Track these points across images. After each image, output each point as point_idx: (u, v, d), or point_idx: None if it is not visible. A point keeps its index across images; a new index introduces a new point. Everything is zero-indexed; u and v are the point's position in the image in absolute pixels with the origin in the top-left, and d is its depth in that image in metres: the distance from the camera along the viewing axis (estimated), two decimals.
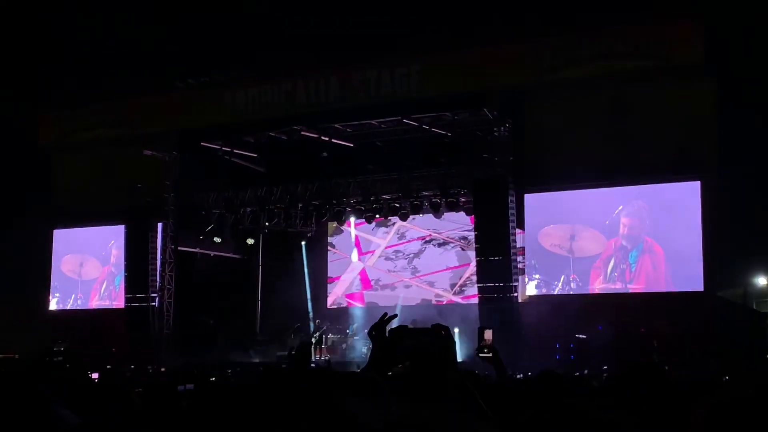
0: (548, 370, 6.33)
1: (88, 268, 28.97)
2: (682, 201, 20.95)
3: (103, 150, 28.54)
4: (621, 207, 21.87)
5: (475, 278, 23.22)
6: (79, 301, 28.96)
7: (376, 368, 3.27)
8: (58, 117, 29.66)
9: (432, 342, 3.27)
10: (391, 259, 27.56)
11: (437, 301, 26.50)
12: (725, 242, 20.68)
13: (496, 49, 23.06)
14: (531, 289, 22.75)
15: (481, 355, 4.08)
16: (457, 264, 26.53)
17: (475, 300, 22.69)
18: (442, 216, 24.84)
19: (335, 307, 27.92)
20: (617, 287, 21.86)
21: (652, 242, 21.54)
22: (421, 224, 26.64)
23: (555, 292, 22.47)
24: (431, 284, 26.87)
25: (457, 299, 26.15)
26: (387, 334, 3.29)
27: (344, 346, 24.90)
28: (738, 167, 20.11)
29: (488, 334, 4.10)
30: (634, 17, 21.55)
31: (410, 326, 3.26)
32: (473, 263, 23.62)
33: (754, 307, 28.77)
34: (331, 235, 28.56)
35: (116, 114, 28.52)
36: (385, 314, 3.35)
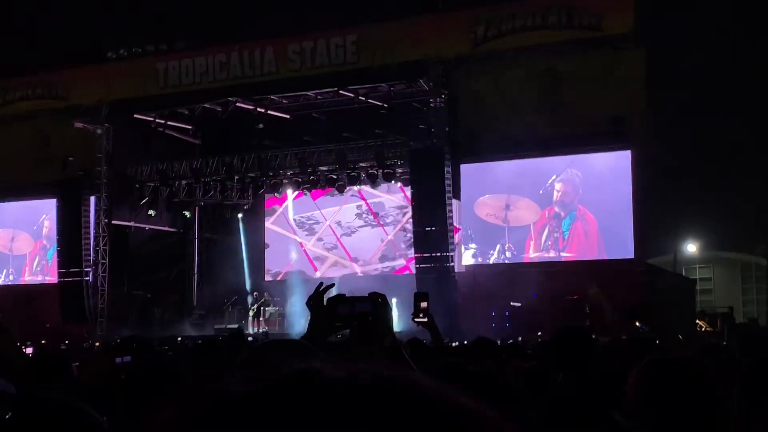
0: (482, 336, 6.48)
1: (20, 242, 28.44)
2: (613, 170, 21.34)
3: (34, 123, 27.94)
4: (554, 176, 22.20)
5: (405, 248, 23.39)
6: (11, 277, 28.45)
7: (314, 337, 3.32)
8: None
9: (369, 309, 3.34)
10: (329, 226, 27.60)
11: (369, 271, 26.63)
12: (655, 211, 21.15)
13: (430, 20, 23.13)
14: (467, 258, 23.01)
15: (416, 320, 4.17)
16: (387, 235, 26.69)
17: (412, 271, 22.85)
18: (378, 187, 24.93)
19: (272, 279, 27.89)
20: (551, 255, 22.25)
21: (585, 211, 21.94)
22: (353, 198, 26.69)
23: (491, 261, 22.77)
24: (363, 254, 27.00)
25: (391, 269, 26.32)
26: (324, 304, 3.35)
27: (282, 318, 24.93)
28: (668, 137, 20.55)
29: (425, 299, 4.18)
30: None
31: (348, 296, 3.33)
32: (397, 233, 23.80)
33: (683, 274, 29.60)
34: (268, 210, 28.45)
35: (47, 86, 27.92)
36: (321, 284, 3.40)
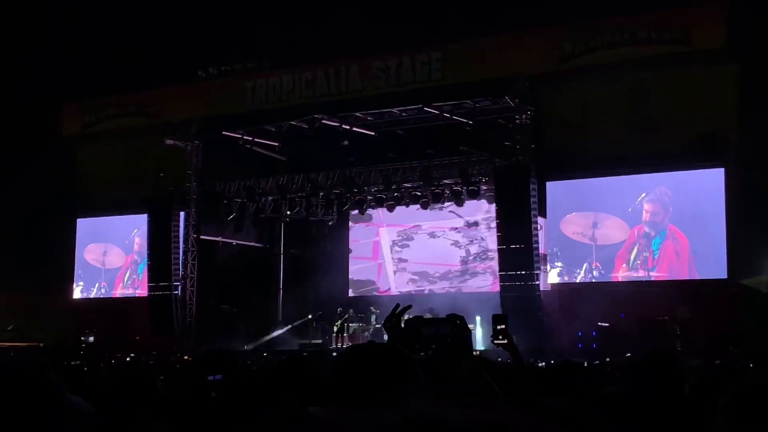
0: (568, 359, 6.34)
1: (112, 256, 29.20)
2: (705, 188, 20.79)
3: (126, 140, 28.76)
4: (644, 194, 21.74)
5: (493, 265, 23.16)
6: (102, 290, 29.21)
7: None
8: (82, 107, 29.88)
9: (447, 331, 3.30)
10: (414, 244, 27.56)
11: (453, 288, 26.46)
12: (749, 229, 20.51)
13: (516, 36, 22.98)
14: (553, 277, 22.69)
15: (495, 341, 4.09)
16: (472, 253, 26.48)
17: (497, 289, 22.60)
18: (464, 204, 24.78)
19: (356, 295, 27.96)
20: (640, 275, 21.76)
21: (676, 230, 21.42)
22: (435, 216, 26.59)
23: (577, 280, 22.40)
24: (448, 272, 26.85)
25: (476, 287, 26.10)
26: (402, 325, 3.31)
27: (366, 334, 24.94)
28: (762, 153, 19.94)
29: (502, 321, 4.10)
30: (656, 2, 21.40)
31: (426, 316, 3.29)
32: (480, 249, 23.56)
33: None
34: (353, 223, 28.57)
35: (138, 104, 28.71)
36: (398, 305, 3.36)
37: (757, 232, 20.41)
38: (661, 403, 4.05)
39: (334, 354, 20.33)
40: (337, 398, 2.43)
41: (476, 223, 26.19)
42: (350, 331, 25.05)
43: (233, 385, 3.71)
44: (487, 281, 25.66)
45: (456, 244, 26.75)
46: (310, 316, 26.62)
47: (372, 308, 25.39)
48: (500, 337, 4.04)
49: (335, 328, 25.25)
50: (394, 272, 27.88)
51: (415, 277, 27.48)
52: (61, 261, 29.46)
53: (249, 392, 3.43)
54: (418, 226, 27.17)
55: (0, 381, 1.82)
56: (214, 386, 4.48)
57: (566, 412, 2.28)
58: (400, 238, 27.81)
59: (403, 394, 2.42)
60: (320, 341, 25.54)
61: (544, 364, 12.12)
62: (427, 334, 3.30)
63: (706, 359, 13.99)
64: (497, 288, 22.49)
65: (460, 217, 26.38)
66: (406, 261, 27.67)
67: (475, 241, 26.54)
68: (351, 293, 28.14)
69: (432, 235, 27.18)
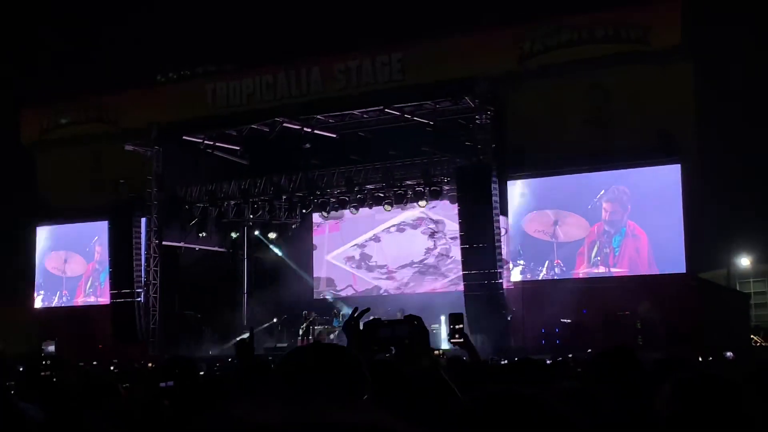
0: (529, 356, 6.43)
1: (73, 264, 28.92)
2: (663, 184, 21.08)
3: (85, 145, 28.50)
4: (603, 191, 21.99)
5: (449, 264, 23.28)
6: (64, 298, 28.92)
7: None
8: (40, 114, 29.56)
9: (406, 332, 3.35)
10: (377, 246, 27.64)
11: (415, 288, 26.59)
12: (707, 224, 20.84)
13: (476, 36, 23.14)
14: (516, 275, 22.86)
15: (452, 340, 4.16)
16: (436, 252, 26.63)
17: (460, 288, 22.73)
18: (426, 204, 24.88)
19: (321, 298, 27.97)
20: (601, 271, 22.01)
21: (635, 226, 21.68)
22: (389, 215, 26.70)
23: (540, 278, 22.59)
24: (412, 272, 26.97)
25: (440, 287, 26.24)
26: (361, 328, 3.35)
27: (332, 336, 24.94)
28: (717, 149, 20.27)
29: (459, 320, 4.17)
30: (613, 1, 21.68)
31: (397, 316, 3.35)
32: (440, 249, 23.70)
33: (737, 288, 29.06)
34: (316, 227, 28.57)
35: (98, 110, 28.46)
36: (356, 308, 3.41)
37: (714, 228, 20.74)
38: (619, 399, 4.12)
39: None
40: (281, 399, 2.45)
41: (442, 222, 26.34)
42: (315, 334, 25.02)
43: (185, 392, 3.72)
44: (453, 280, 25.80)
45: (422, 243, 26.87)
46: (275, 320, 26.57)
47: (336, 310, 25.42)
48: (457, 336, 4.10)
49: (300, 331, 25.22)
50: (359, 273, 27.92)
51: (381, 278, 27.55)
52: (22, 270, 29.11)
53: (198, 399, 3.45)
54: (385, 224, 27.24)
55: None
56: (166, 393, 4.49)
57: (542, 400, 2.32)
58: (366, 238, 27.85)
59: (349, 395, 2.45)
60: (285, 344, 25.48)
61: (506, 361, 12.22)
62: (385, 335, 3.35)
63: (667, 353, 14.19)
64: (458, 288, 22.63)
65: (430, 218, 26.52)
66: (371, 260, 27.73)
67: (441, 240, 26.68)
68: (315, 295, 28.15)
69: (398, 233, 27.27)
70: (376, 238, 27.64)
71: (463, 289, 22.26)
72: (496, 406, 1.83)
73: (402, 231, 27.25)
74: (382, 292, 27.09)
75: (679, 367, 4.77)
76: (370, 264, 27.81)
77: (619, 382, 4.26)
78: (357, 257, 27.99)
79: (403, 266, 27.17)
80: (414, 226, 27.04)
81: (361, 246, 27.88)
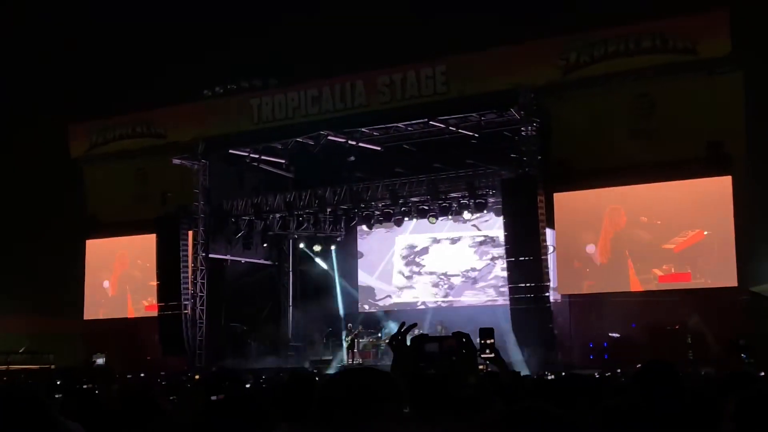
0: (575, 372, 6.33)
1: (121, 277, 29.20)
2: (713, 196, 20.73)
3: (133, 160, 28.87)
4: (651, 205, 21.68)
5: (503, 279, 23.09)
6: (113, 311, 29.18)
7: (397, 375, 3.28)
8: (89, 128, 30.00)
9: (453, 348, 3.31)
10: (423, 259, 27.56)
11: (462, 302, 26.43)
12: (758, 237, 20.46)
13: (520, 48, 23.01)
14: (562, 288, 22.62)
15: (483, 355, 4.10)
16: (482, 265, 26.47)
17: (501, 302, 22.55)
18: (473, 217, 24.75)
19: (366, 311, 27.94)
20: (650, 285, 21.67)
21: (684, 242, 21.33)
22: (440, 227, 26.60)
23: (586, 292, 22.33)
24: (459, 286, 26.84)
25: (489, 301, 26.07)
26: (408, 343, 3.32)
27: (376, 350, 24.91)
28: None
29: (490, 335, 4.11)
30: (659, 11, 21.42)
31: (431, 334, 3.30)
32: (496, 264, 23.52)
33: None
34: (361, 239, 28.58)
35: (145, 124, 28.82)
36: (403, 323, 3.38)
37: (765, 240, 20.35)
38: (661, 413, 4.05)
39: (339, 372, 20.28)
40: (318, 421, 2.42)
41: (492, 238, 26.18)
42: (360, 347, 25.01)
43: (232, 406, 3.70)
44: (499, 294, 25.64)
45: (471, 256, 26.75)
46: (320, 333, 26.63)
47: (383, 323, 25.38)
48: (487, 351, 4.04)
49: (345, 344, 25.22)
50: (407, 286, 27.85)
51: (429, 291, 27.45)
52: (72, 283, 29.51)
53: (246, 414, 3.42)
54: (433, 238, 27.17)
55: None
56: (215, 407, 4.47)
57: (565, 422, 2.26)
58: (412, 251, 27.78)
59: (384, 418, 2.40)
60: (330, 357, 25.50)
61: (553, 376, 12.07)
62: (432, 351, 3.32)
63: (718, 368, 13.92)
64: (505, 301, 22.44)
65: (478, 229, 26.39)
66: (419, 274, 27.65)
67: (486, 254, 26.53)
68: (361, 308, 28.13)
69: (446, 247, 27.17)
70: (422, 251, 27.54)
71: (508, 303, 22.08)
72: (518, 421, 1.77)
73: (450, 243, 27.12)
74: (420, 305, 26.97)
75: (742, 382, 4.66)
76: (413, 276, 27.70)
77: (663, 395, 4.18)
78: (401, 270, 27.90)
79: (448, 278, 27.03)
80: (460, 240, 26.90)
81: (406, 258, 27.80)
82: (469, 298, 26.61)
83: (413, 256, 27.71)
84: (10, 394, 1.89)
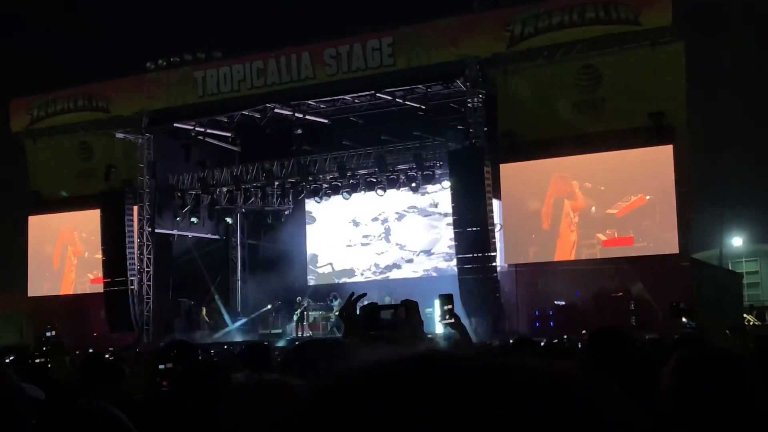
0: (522, 336, 6.45)
1: (65, 253, 28.81)
2: (655, 165, 21.06)
3: (76, 134, 28.40)
4: (594, 173, 21.99)
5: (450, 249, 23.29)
6: (57, 287, 28.81)
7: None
8: (30, 103, 29.41)
9: (402, 317, 3.35)
10: (370, 231, 27.66)
11: (408, 273, 26.61)
12: (699, 205, 20.89)
13: (466, 20, 23.08)
14: (508, 258, 22.89)
15: (443, 322, 4.15)
16: (429, 237, 26.65)
17: (454, 271, 22.75)
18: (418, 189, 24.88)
19: (315, 283, 27.98)
20: (594, 250, 22.03)
21: (627, 207, 21.70)
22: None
23: (532, 260, 22.61)
24: (405, 257, 27.01)
25: (437, 271, 26.29)
26: (357, 313, 3.35)
27: (326, 322, 25.00)
28: (709, 130, 20.29)
29: (449, 301, 4.16)
30: None
31: (384, 303, 3.35)
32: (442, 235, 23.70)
33: (730, 268, 29.17)
34: (309, 215, 28.54)
35: (87, 98, 28.32)
36: (353, 293, 3.41)
37: (705, 208, 20.79)
38: (617, 377, 4.14)
39: (296, 343, 20.34)
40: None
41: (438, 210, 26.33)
42: (310, 320, 25.08)
43: (185, 374, 3.72)
44: (447, 263, 25.85)
45: (419, 228, 26.90)
46: (269, 306, 26.60)
47: (332, 296, 25.44)
48: (447, 317, 4.10)
49: (295, 317, 25.26)
50: (355, 258, 27.92)
51: (376, 262, 27.57)
52: (15, 259, 29.06)
53: (202, 380, 3.44)
54: (381, 210, 27.23)
55: None
56: (165, 375, 4.48)
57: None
58: (360, 224, 27.83)
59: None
60: (280, 331, 25.54)
61: (498, 342, 12.26)
62: (381, 319, 3.36)
63: (660, 333, 14.24)
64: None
65: (427, 201, 26.49)
66: (367, 246, 27.72)
67: (435, 226, 26.71)
68: (310, 281, 28.17)
69: (393, 218, 27.28)
70: (370, 223, 27.61)
71: (455, 273, 22.29)
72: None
73: (396, 215, 27.23)
74: (367, 277, 27.06)
75: (689, 343, 4.80)
76: (360, 249, 27.78)
77: (614, 361, 4.28)
78: (348, 243, 27.96)
79: (396, 249, 27.17)
80: (407, 211, 27.02)
81: (353, 231, 27.85)
82: (416, 269, 26.79)
83: (361, 229, 27.77)
84: None
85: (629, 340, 4.61)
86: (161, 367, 4.87)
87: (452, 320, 4.08)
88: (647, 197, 21.24)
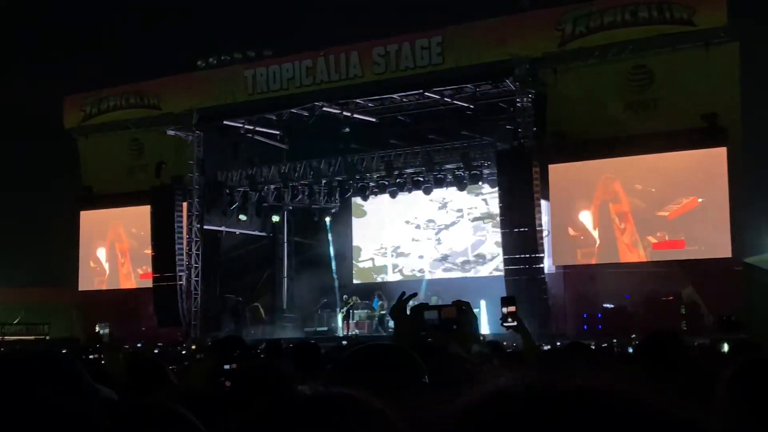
0: (576, 340, 6.34)
1: (115, 248, 29.16)
2: (708, 167, 20.70)
3: (128, 131, 28.76)
4: (645, 175, 21.67)
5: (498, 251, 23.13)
6: (107, 282, 29.17)
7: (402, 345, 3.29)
8: (83, 100, 29.82)
9: (453, 317, 3.31)
10: (417, 230, 27.60)
11: (457, 273, 26.49)
12: (754, 209, 20.50)
13: (516, 19, 22.89)
14: (557, 259, 22.67)
15: (505, 324, 4.09)
16: (475, 238, 26.51)
17: (501, 273, 22.59)
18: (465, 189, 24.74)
19: (361, 282, 28.00)
20: (644, 253, 21.72)
21: (678, 209, 21.36)
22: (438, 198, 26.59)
23: (581, 262, 22.38)
24: (452, 257, 26.90)
25: (483, 272, 26.14)
26: (408, 312, 3.32)
27: (371, 321, 24.99)
28: (763, 131, 19.90)
29: (511, 303, 4.09)
30: None
31: (431, 303, 3.30)
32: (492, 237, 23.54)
33: None
34: (356, 213, 28.56)
35: (139, 95, 28.64)
36: (403, 293, 3.37)
37: (759, 211, 20.39)
38: (668, 382, 4.05)
39: (344, 342, 20.38)
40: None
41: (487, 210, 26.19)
42: (356, 318, 25.08)
43: (246, 373, 3.69)
44: (494, 265, 25.70)
45: (466, 228, 26.79)
46: (315, 305, 26.70)
47: (377, 294, 25.43)
48: (509, 320, 4.03)
49: (340, 316, 25.29)
50: (403, 256, 27.89)
51: (423, 262, 27.50)
52: (66, 254, 29.49)
53: (265, 382, 3.41)
54: (429, 210, 27.17)
55: (33, 371, 1.82)
56: (228, 375, 4.46)
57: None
58: (408, 223, 27.78)
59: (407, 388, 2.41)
60: (326, 329, 25.60)
61: (549, 346, 12.13)
62: (432, 320, 3.32)
63: (711, 339, 14.00)
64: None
65: (477, 201, 26.37)
66: (415, 244, 27.67)
67: (482, 227, 26.57)
68: (356, 279, 28.18)
69: (442, 219, 27.19)
70: (418, 223, 27.55)
71: (502, 274, 22.14)
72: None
73: (445, 215, 27.14)
74: (415, 277, 27.00)
75: (741, 352, 4.68)
76: (409, 248, 27.74)
77: (668, 365, 4.19)
78: (397, 242, 27.93)
79: (444, 250, 27.09)
80: (455, 212, 26.92)
81: (402, 230, 27.81)
82: (462, 270, 26.68)
83: (407, 228, 27.71)
84: (45, 358, 1.87)
85: (683, 344, 4.51)
86: (226, 367, 4.86)
87: (514, 323, 4.02)
88: (699, 200, 20.89)
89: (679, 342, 4.46)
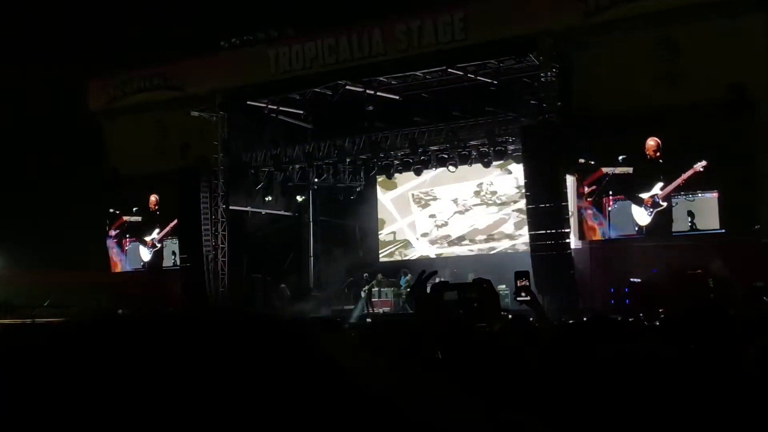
0: (598, 314, 6.29)
1: (141, 230, 29.33)
2: (735, 140, 20.45)
3: (152, 113, 28.82)
4: (673, 150, 21.47)
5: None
6: (134, 263, 29.37)
7: (422, 324, 3.29)
8: (107, 82, 29.94)
9: (474, 295, 3.30)
10: (442, 208, 27.57)
11: (481, 249, 26.44)
12: None
13: None
14: (584, 234, 22.56)
15: (518, 299, 4.07)
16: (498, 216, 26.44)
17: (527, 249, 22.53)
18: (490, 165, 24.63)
19: (387, 260, 28.03)
20: (672, 229, 21.55)
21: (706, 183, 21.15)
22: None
23: (608, 236, 22.26)
24: (472, 235, 26.86)
25: (508, 248, 26.09)
26: (429, 291, 3.31)
27: (398, 299, 25.04)
28: None
29: (525, 277, 4.07)
30: None
31: (450, 281, 3.30)
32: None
33: None
34: (382, 190, 28.57)
35: (163, 77, 28.69)
36: (423, 272, 3.36)
37: None
38: (720, 362, 3.99)
39: (368, 320, 20.43)
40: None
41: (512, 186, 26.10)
42: (382, 296, 25.14)
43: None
44: (517, 241, 25.63)
45: (487, 205, 26.73)
46: (341, 283, 26.79)
47: (403, 272, 25.45)
48: (523, 294, 4.01)
49: (363, 294, 25.34)
50: (425, 235, 27.90)
51: (447, 240, 27.49)
52: (93, 236, 29.71)
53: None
54: (451, 187, 27.12)
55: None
56: None
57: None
58: (430, 201, 27.77)
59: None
60: (352, 306, 25.68)
61: (573, 321, 12.06)
62: (453, 298, 3.31)
63: (741, 312, 13.88)
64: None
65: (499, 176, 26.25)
66: (437, 225, 27.66)
67: (507, 203, 26.49)
68: (381, 257, 28.22)
69: (465, 196, 27.14)
70: (439, 201, 27.52)
71: (526, 250, 22.09)
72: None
73: (468, 192, 27.07)
74: (438, 255, 27.00)
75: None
76: (432, 226, 27.73)
77: (710, 339, 4.13)
78: (420, 219, 27.93)
79: (466, 227, 27.05)
80: (478, 188, 26.85)
81: (425, 208, 27.80)
82: (488, 246, 26.63)
83: (432, 206, 27.70)
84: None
85: (728, 316, 4.44)
86: None
87: (528, 298, 4.00)
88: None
89: (727, 314, 4.38)
